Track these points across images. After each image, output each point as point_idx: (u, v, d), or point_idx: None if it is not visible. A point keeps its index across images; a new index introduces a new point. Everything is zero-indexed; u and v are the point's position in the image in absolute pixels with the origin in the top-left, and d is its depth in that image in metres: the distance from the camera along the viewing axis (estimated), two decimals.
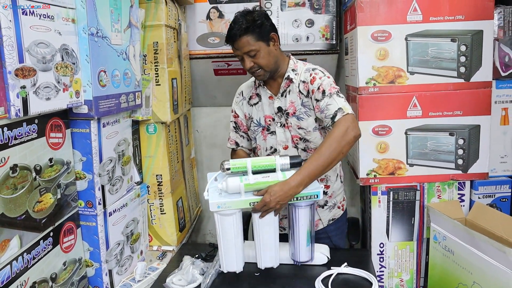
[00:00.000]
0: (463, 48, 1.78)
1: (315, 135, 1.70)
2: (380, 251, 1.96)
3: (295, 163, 1.51)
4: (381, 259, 1.97)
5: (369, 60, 1.83)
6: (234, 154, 1.84)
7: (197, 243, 2.76)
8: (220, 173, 1.56)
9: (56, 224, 1.36)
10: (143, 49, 1.86)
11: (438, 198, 1.90)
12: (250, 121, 1.75)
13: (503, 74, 1.86)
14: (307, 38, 2.26)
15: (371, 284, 1.56)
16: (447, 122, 1.83)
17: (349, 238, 2.20)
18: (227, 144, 1.85)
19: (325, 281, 1.58)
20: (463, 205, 1.90)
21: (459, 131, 1.82)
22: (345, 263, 1.67)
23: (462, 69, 1.80)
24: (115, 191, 1.63)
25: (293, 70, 1.70)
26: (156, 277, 1.67)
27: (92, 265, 1.54)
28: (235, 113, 1.79)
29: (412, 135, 1.85)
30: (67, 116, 1.43)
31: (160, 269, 1.73)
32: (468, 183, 1.89)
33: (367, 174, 1.89)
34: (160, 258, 1.89)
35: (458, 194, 1.90)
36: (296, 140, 1.71)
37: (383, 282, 1.98)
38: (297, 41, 2.27)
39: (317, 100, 1.64)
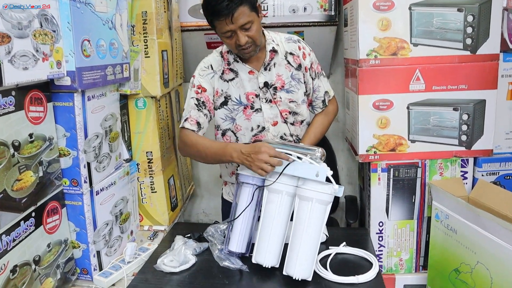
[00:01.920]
0: (470, 18, 1.69)
1: (303, 107, 1.67)
2: (379, 230, 1.90)
3: None
4: (380, 238, 1.91)
5: (370, 30, 1.73)
6: (190, 136, 1.57)
7: (190, 222, 2.70)
8: None
9: (39, 204, 1.28)
10: (131, 19, 1.74)
11: (440, 175, 1.83)
12: (224, 99, 1.61)
13: (511, 46, 1.77)
14: (305, 9, 2.15)
15: (371, 264, 1.50)
16: (451, 97, 1.75)
17: (347, 217, 2.14)
18: (183, 123, 1.58)
19: (323, 261, 1.52)
20: (466, 183, 1.83)
21: (464, 106, 1.74)
22: (344, 243, 1.62)
23: (469, 41, 1.70)
24: (102, 168, 1.54)
25: (273, 41, 1.62)
26: (147, 258, 1.61)
27: (79, 247, 1.47)
28: (201, 87, 1.60)
29: (415, 110, 1.77)
30: (49, 89, 1.33)
31: (151, 250, 1.66)
32: (471, 160, 1.82)
33: (367, 151, 1.81)
34: (151, 238, 1.82)
35: (461, 171, 1.83)
36: (286, 114, 1.63)
37: (381, 262, 1.93)
38: (294, 12, 2.16)
39: (312, 79, 1.67)
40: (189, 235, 1.71)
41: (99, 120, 1.50)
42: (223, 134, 1.68)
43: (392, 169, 1.83)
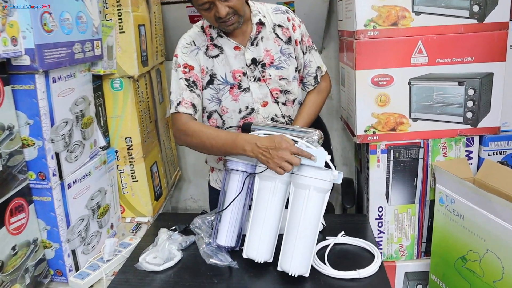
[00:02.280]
0: None
1: (294, 85, 1.53)
2: (378, 215, 1.78)
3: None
4: (380, 224, 1.79)
5: None
6: (191, 124, 1.39)
7: (176, 213, 2.55)
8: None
9: (0, 201, 1.13)
10: None
11: (443, 156, 1.71)
12: (210, 77, 1.45)
13: None
14: None
15: (373, 255, 1.38)
16: (456, 70, 1.60)
17: (344, 201, 2.02)
18: (177, 108, 1.41)
19: (320, 253, 1.40)
20: (471, 163, 1.71)
21: (470, 80, 1.60)
22: (342, 232, 1.49)
23: (476, 8, 1.55)
24: (74, 158, 1.38)
25: (259, 12, 1.46)
26: (128, 254, 1.47)
27: (51, 246, 1.32)
28: (188, 65, 1.42)
29: (417, 86, 1.62)
30: (5, 70, 1.16)
31: (133, 245, 1.52)
32: (477, 139, 1.69)
33: (365, 131, 1.67)
34: (134, 231, 1.68)
35: (466, 151, 1.71)
36: (276, 93, 1.48)
37: (381, 249, 1.82)
38: None
39: (303, 53, 1.53)
40: (174, 227, 1.58)
41: (68, 105, 1.34)
42: (209, 117, 1.53)
43: (392, 150, 1.70)
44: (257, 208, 1.32)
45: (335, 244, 1.45)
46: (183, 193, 2.59)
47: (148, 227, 1.71)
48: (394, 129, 1.67)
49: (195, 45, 1.45)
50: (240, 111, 1.49)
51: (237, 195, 1.35)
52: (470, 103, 1.62)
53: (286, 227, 1.27)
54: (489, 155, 1.68)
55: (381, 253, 1.77)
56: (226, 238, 1.39)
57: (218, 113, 1.51)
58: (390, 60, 1.60)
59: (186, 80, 1.43)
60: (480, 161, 1.71)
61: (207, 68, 1.45)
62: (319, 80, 1.60)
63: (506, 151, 1.69)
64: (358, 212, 2.07)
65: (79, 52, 1.35)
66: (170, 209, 2.59)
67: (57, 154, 1.28)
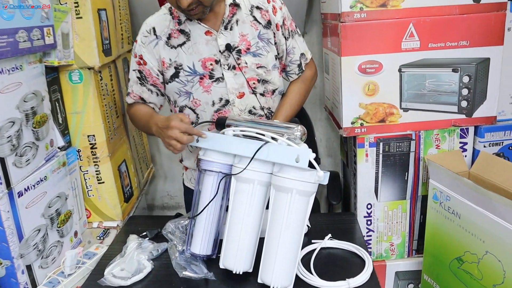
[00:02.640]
0: None
1: (274, 74, 1.38)
2: (367, 213, 1.66)
3: None
4: (369, 222, 1.67)
5: None
6: (132, 108, 1.41)
7: (148, 215, 2.37)
8: None
9: None
10: None
11: (436, 148, 1.58)
12: (175, 70, 1.31)
13: None
14: None
15: (363, 261, 1.26)
16: (450, 55, 1.47)
17: (329, 197, 1.90)
18: (126, 98, 1.42)
19: (306, 258, 1.27)
20: (465, 156, 1.59)
21: (465, 66, 1.47)
22: (329, 235, 1.36)
23: None
24: (25, 162, 1.21)
25: None
26: (93, 265, 1.32)
27: (1, 264, 1.16)
28: (142, 58, 1.32)
29: (408, 73, 1.49)
30: None
31: (99, 255, 1.37)
32: (471, 130, 1.57)
33: (352, 123, 1.54)
34: (102, 237, 1.52)
35: (460, 143, 1.59)
36: (253, 83, 1.34)
37: (370, 248, 1.70)
38: None
39: (285, 39, 1.37)
40: (144, 233, 1.43)
41: (14, 102, 1.16)
42: (181, 111, 1.38)
43: (381, 143, 1.57)
44: (234, 214, 1.18)
45: (321, 249, 1.32)
46: (159, 189, 2.44)
47: (117, 232, 1.55)
48: (384, 121, 1.54)
49: (155, 34, 1.30)
50: (213, 104, 1.34)
51: (211, 199, 1.20)
52: (465, 91, 1.50)
53: (267, 234, 1.14)
54: (484, 146, 1.57)
55: (370, 252, 1.66)
56: (201, 246, 1.25)
57: (190, 107, 1.36)
58: (378, 45, 1.46)
59: (139, 72, 1.36)
60: (475, 153, 1.59)
61: (170, 60, 1.30)
62: (303, 68, 1.45)
63: (502, 142, 1.57)
64: (345, 208, 1.95)
65: (24, 41, 1.17)
66: (145, 206, 2.44)
67: (1, 160, 1.11)
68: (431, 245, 1.55)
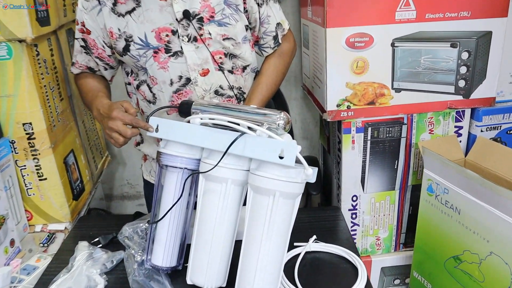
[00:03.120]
0: None
1: (245, 48, 1.16)
2: (352, 205, 1.49)
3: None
4: (354, 216, 1.51)
5: None
6: (79, 79, 1.22)
7: (100, 214, 2.11)
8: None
9: None
10: None
11: (429, 133, 1.42)
12: (125, 42, 1.07)
13: None
14: None
15: (354, 267, 1.09)
16: (449, 28, 1.29)
17: (308, 187, 1.71)
18: (71, 68, 1.22)
19: (289, 265, 1.09)
20: (460, 141, 1.44)
21: (464, 41, 1.29)
22: (314, 236, 1.18)
23: None
24: None
25: None
26: (33, 283, 1.08)
27: None
28: (85, 27, 1.10)
29: (402, 48, 1.30)
30: None
31: (41, 269, 1.13)
32: (468, 113, 1.41)
33: (338, 105, 1.34)
34: (46, 244, 1.28)
35: (455, 127, 1.43)
36: (220, 58, 1.11)
37: (355, 243, 1.54)
38: None
39: (258, 5, 1.15)
40: (96, 239, 1.20)
41: None
42: (138, 87, 1.16)
43: (370, 128, 1.39)
44: (202, 219, 0.97)
45: (306, 253, 1.14)
46: (117, 178, 2.18)
47: (65, 237, 1.32)
48: (373, 103, 1.35)
49: None
50: (171, 83, 1.11)
51: (175, 203, 0.99)
52: (463, 69, 1.33)
53: (244, 243, 0.93)
54: (481, 131, 1.41)
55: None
56: (164, 256, 1.04)
57: (148, 84, 1.13)
58: (369, 15, 1.26)
59: (83, 41, 1.14)
60: (470, 138, 1.44)
61: (118, 30, 1.05)
62: (280, 41, 1.23)
63: (500, 126, 1.42)
64: (325, 199, 1.78)
65: None
66: (103, 196, 2.19)
67: None
68: (423, 241, 1.40)
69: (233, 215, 0.98)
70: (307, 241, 1.14)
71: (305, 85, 1.71)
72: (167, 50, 1.06)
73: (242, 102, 1.20)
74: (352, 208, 1.49)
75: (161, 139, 1.02)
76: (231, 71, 1.15)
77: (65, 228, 1.35)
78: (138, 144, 1.31)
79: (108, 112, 1.00)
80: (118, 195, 2.23)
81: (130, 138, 1.02)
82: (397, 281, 1.62)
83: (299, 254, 1.13)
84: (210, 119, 0.97)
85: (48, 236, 1.31)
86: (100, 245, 1.19)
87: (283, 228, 0.92)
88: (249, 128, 0.92)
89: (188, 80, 1.11)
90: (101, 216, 2.08)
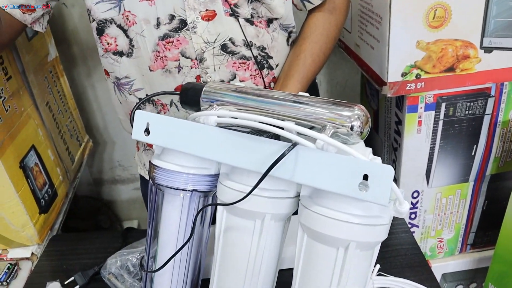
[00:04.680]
0: None
1: None
2: (412, 203, 1.14)
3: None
4: (412, 216, 1.16)
5: None
6: None
7: (79, 232, 1.70)
8: None
9: None
10: None
11: None
12: None
13: None
14: None
15: None
16: None
17: None
18: None
19: None
20: None
21: None
22: (377, 266, 0.83)
23: None
24: None
25: None
26: None
27: None
28: None
29: None
30: None
31: None
32: None
33: (403, 75, 0.95)
34: (6, 282, 0.93)
35: None
36: None
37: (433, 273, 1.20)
38: None
39: None
40: (72, 278, 0.86)
41: None
42: (100, 32, 0.77)
43: (444, 104, 1.00)
44: (226, 271, 0.63)
45: None
46: (107, 160, 1.80)
47: (32, 267, 0.97)
48: (453, 69, 0.95)
49: None
50: (158, 24, 0.73)
51: (179, 249, 0.63)
52: None
53: None
54: None
55: None
56: None
57: (119, 25, 0.74)
58: None
59: None
60: None
61: None
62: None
63: None
64: None
65: None
66: (91, 181, 1.83)
67: None
68: (508, 250, 1.06)
69: (272, 262, 0.63)
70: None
71: (344, 42, 1.29)
72: None
73: (267, 71, 0.82)
74: (412, 206, 1.14)
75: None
76: (249, 20, 0.76)
77: (32, 254, 1.00)
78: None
79: None
80: (109, 179, 1.86)
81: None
82: (460, 287, 1.30)
83: None
84: (232, 117, 0.59)
85: (8, 267, 0.96)
86: (77, 287, 0.84)
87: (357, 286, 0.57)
88: (299, 134, 0.54)
89: (183, 23, 0.72)
90: (78, 233, 1.69)
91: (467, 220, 1.19)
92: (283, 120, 0.55)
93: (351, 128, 0.54)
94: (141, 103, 0.70)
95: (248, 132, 0.58)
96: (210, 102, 0.63)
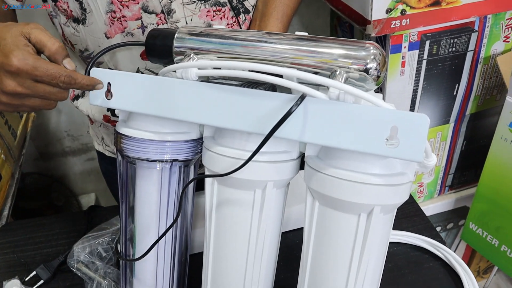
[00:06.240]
0: None
1: None
2: None
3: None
4: None
5: None
6: None
7: (38, 176, 1.55)
8: None
9: None
10: None
11: (504, 41, 0.99)
12: None
13: None
14: None
15: (449, 269, 0.72)
16: None
17: None
18: None
19: None
20: None
21: None
22: None
23: None
24: None
25: None
26: None
27: None
28: None
29: None
30: None
31: None
32: None
33: (388, 11, 0.86)
34: None
35: None
36: None
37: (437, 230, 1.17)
38: None
39: None
40: (34, 272, 0.73)
41: None
42: None
43: (428, 42, 0.93)
44: (222, 251, 0.54)
45: None
46: (52, 130, 1.62)
47: None
48: (438, 2, 0.87)
49: None
50: None
51: (163, 235, 0.53)
52: None
53: (308, 274, 0.51)
54: None
55: None
56: None
57: None
58: None
59: None
60: None
61: None
62: None
63: None
64: None
65: None
66: (38, 156, 1.65)
67: None
68: (491, 189, 1.04)
69: (275, 235, 0.55)
70: None
71: None
72: None
73: (244, 16, 0.70)
74: None
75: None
76: None
77: None
78: (76, 97, 0.79)
79: (6, 60, 0.46)
80: (58, 152, 1.69)
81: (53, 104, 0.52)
82: (438, 228, 1.30)
83: None
84: (216, 68, 0.48)
85: None
86: (41, 282, 0.73)
87: (378, 256, 0.50)
88: (302, 83, 0.45)
89: None
90: (35, 217, 1.55)
91: (447, 162, 1.16)
92: (287, 69, 0.44)
93: (367, 72, 0.44)
94: (93, 64, 0.55)
95: (238, 85, 0.47)
96: (186, 51, 0.51)
